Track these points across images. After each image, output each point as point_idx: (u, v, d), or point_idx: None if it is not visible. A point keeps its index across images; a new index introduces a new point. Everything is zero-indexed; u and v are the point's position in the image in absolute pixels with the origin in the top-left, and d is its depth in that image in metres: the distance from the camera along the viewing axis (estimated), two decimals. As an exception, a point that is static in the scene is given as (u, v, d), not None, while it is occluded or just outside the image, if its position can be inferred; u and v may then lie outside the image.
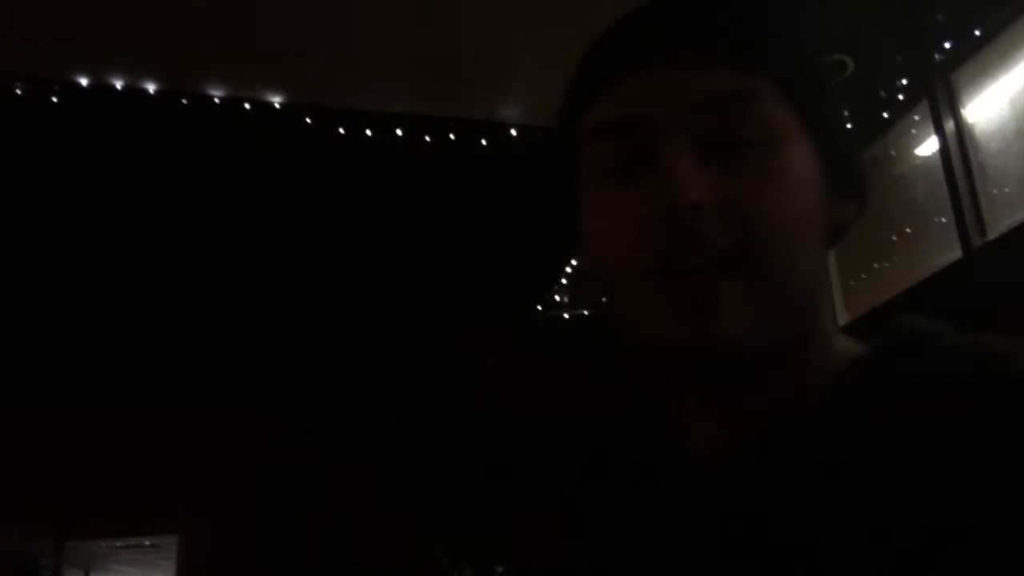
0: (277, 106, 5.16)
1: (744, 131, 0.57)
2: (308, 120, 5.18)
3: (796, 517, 0.54)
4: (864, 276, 5.28)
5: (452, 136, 5.21)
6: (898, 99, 4.26)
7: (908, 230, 5.12)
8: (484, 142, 4.75)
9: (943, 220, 4.08)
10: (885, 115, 4.36)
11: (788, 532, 0.54)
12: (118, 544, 9.24)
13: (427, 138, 5.31)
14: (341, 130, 5.26)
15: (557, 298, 5.09)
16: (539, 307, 5.00)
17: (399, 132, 5.31)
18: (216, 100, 5.06)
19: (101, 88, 4.88)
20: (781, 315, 0.57)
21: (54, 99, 4.87)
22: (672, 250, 0.55)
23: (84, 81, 4.88)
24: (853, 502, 0.52)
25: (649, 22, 0.62)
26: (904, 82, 4.19)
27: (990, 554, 0.47)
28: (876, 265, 5.37)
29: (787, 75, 0.60)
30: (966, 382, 0.53)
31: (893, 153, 4.67)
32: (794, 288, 0.57)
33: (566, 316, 5.03)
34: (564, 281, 5.02)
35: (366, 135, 5.28)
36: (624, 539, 0.64)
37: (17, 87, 4.85)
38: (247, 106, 5.12)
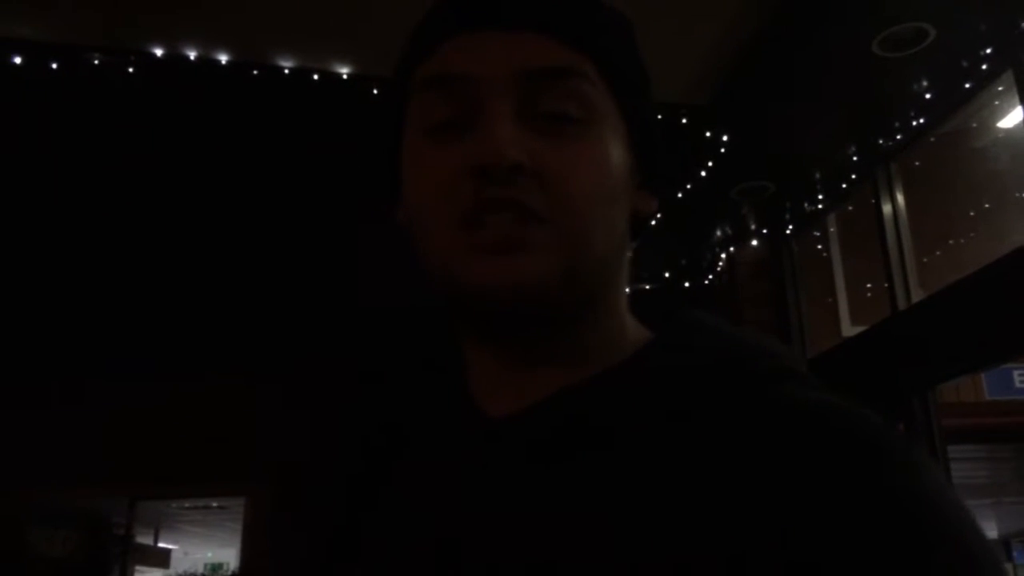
0: (345, 77, 5.21)
1: (565, 105, 0.59)
2: (375, 91, 5.21)
3: (546, 496, 0.56)
4: (939, 252, 5.13)
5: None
6: (981, 69, 4.10)
7: (987, 205, 4.97)
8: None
9: (1024, 195, 3.94)
10: (967, 86, 4.20)
11: (533, 509, 0.56)
12: (187, 505, 9.55)
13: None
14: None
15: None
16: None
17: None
18: (286, 71, 5.13)
19: (175, 59, 4.98)
20: (578, 275, 0.59)
21: (130, 69, 4.99)
22: (487, 204, 0.57)
23: (159, 52, 4.98)
24: (596, 489, 0.54)
25: None
26: (988, 51, 4.02)
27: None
28: (952, 241, 5.22)
29: (612, 64, 0.62)
30: (731, 384, 0.56)
31: (974, 125, 4.51)
32: (591, 255, 0.59)
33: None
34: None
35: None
36: (403, 511, 0.65)
37: (95, 57, 4.97)
38: (315, 77, 5.18)
